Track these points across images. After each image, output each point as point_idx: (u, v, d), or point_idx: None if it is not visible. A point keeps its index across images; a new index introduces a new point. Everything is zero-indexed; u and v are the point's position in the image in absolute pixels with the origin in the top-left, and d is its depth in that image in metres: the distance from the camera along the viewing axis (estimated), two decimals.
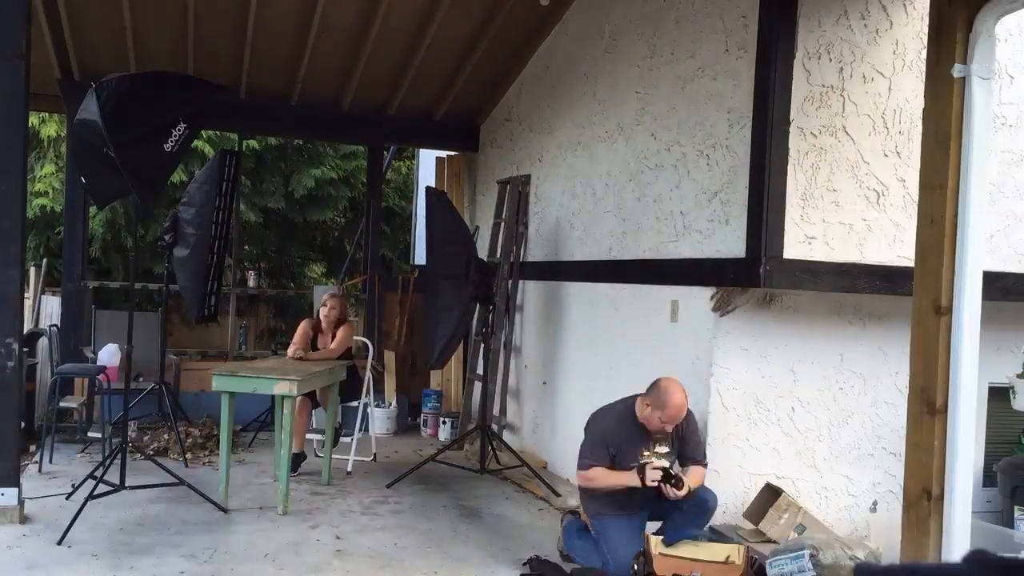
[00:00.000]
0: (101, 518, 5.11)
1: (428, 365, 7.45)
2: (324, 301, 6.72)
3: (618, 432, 4.50)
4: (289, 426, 5.58)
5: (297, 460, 6.31)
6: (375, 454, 6.96)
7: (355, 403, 6.94)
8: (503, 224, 7.54)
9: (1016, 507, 4.84)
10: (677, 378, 4.45)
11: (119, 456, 5.22)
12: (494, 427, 7.06)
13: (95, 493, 5.03)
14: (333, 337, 6.53)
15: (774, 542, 4.46)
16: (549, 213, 7.09)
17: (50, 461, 6.17)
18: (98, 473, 5.21)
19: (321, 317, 6.63)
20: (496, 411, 7.29)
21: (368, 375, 6.95)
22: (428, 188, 6.99)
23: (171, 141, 5.24)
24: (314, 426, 7.20)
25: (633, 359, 5.61)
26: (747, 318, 4.83)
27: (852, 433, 5.01)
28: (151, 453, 5.80)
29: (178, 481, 5.38)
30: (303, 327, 6.56)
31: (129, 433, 5.89)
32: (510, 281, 7.34)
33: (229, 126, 9.58)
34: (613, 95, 6.17)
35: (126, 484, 5.21)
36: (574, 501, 5.87)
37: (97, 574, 4.29)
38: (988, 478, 5.22)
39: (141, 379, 7.28)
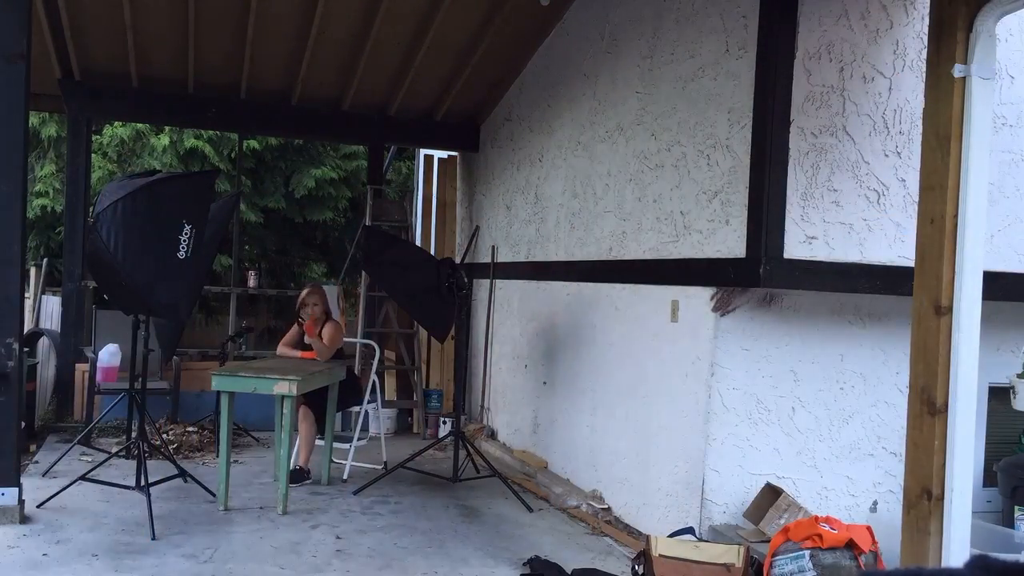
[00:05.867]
0: (101, 518, 5.12)
1: (441, 340, 7.30)
2: (303, 300, 6.28)
3: None
4: (289, 426, 5.58)
5: (298, 476, 6.05)
6: (386, 463, 6.53)
7: (355, 408, 6.83)
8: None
9: (1016, 507, 4.83)
10: None
11: (135, 456, 5.27)
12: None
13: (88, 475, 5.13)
14: (320, 337, 6.16)
15: None
16: (549, 213, 7.09)
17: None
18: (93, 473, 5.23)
19: (304, 315, 6.23)
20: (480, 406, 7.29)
21: (373, 378, 6.90)
22: (365, 227, 7.13)
23: (182, 248, 5.08)
24: None
25: (633, 359, 5.61)
26: (747, 318, 4.83)
27: (852, 433, 5.01)
28: (146, 453, 5.80)
29: (180, 473, 5.43)
30: (293, 328, 6.40)
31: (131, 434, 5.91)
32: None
33: (229, 126, 9.59)
34: (613, 95, 6.17)
35: (132, 484, 5.23)
36: (573, 501, 5.88)
37: (97, 574, 4.29)
38: (988, 478, 5.22)
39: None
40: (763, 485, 4.76)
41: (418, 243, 9.38)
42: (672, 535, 4.59)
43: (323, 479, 6.22)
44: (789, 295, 4.82)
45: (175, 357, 7.73)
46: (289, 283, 12.42)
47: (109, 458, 5.96)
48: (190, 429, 7.22)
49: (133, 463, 5.45)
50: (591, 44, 6.54)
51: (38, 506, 5.17)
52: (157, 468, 5.57)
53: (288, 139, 11.34)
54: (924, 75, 3.60)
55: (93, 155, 10.38)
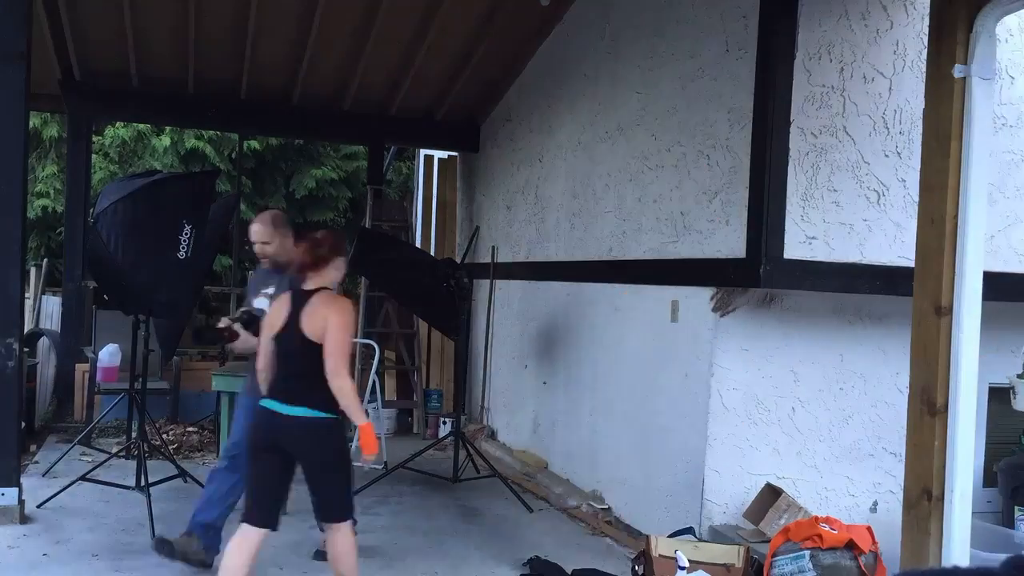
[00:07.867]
0: (101, 518, 5.12)
1: (453, 337, 7.22)
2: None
3: (252, 283, 4.47)
4: None
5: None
6: (386, 463, 6.47)
7: None
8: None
9: (1016, 507, 4.83)
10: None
11: (135, 456, 5.28)
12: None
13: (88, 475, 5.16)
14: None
15: None
16: (549, 213, 7.09)
17: None
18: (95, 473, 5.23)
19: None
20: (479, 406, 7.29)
21: (373, 378, 6.89)
22: (359, 229, 7.13)
23: (182, 248, 5.08)
24: None
25: (634, 359, 5.61)
26: (747, 318, 4.82)
27: (852, 433, 5.01)
28: (146, 453, 5.82)
29: (180, 473, 5.43)
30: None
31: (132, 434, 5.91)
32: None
33: (229, 126, 9.60)
34: (613, 95, 6.17)
35: (132, 484, 5.23)
36: (573, 501, 5.88)
37: (97, 574, 4.29)
38: (988, 478, 5.22)
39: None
40: (763, 485, 4.76)
41: (418, 243, 9.38)
42: (672, 535, 4.59)
43: None
44: (789, 295, 4.82)
45: (175, 357, 7.73)
46: None
47: (109, 458, 5.95)
48: (190, 429, 7.22)
49: (133, 463, 5.45)
50: (591, 44, 6.54)
51: (38, 506, 5.17)
52: (157, 468, 5.57)
53: (288, 139, 11.35)
54: (924, 75, 3.60)
55: (94, 156, 10.39)
